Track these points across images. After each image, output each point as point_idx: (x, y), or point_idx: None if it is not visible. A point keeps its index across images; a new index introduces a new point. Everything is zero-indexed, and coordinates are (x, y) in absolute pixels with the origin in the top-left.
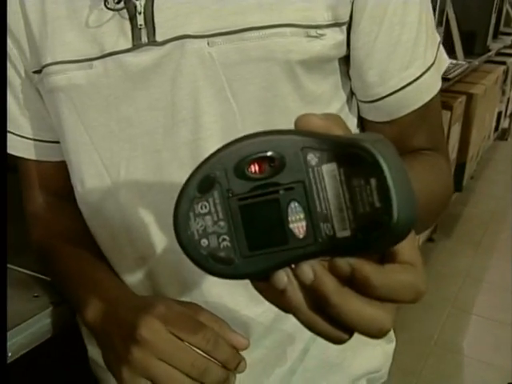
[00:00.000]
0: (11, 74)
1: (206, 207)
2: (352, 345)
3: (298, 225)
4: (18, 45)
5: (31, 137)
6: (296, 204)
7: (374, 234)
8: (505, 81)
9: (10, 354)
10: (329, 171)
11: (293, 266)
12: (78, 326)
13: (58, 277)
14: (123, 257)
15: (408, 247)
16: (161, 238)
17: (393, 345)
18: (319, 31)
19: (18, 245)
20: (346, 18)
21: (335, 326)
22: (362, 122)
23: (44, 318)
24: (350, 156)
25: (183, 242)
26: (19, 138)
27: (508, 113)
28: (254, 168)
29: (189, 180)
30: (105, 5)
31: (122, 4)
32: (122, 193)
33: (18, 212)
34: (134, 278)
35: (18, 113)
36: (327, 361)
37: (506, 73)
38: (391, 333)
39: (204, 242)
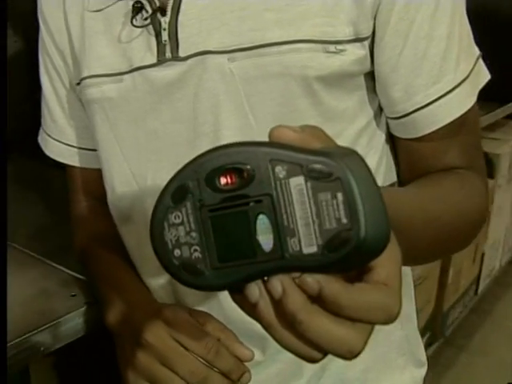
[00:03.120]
0: (58, 85)
1: (179, 217)
2: (376, 367)
3: (265, 238)
4: (63, 58)
5: (76, 145)
6: (264, 217)
7: (341, 251)
8: None
9: (42, 349)
10: (296, 185)
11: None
12: None
13: (90, 277)
14: (147, 263)
15: (386, 266)
16: None
17: (423, 369)
18: (339, 47)
19: (65, 245)
20: (368, 33)
21: (307, 344)
22: (393, 139)
23: (78, 316)
24: (316, 170)
25: (158, 252)
26: (65, 146)
27: None
28: (226, 179)
29: (164, 189)
30: (131, 22)
31: (148, 21)
32: (148, 201)
33: (68, 215)
34: (156, 284)
35: (65, 122)
36: (346, 382)
37: None
38: (423, 356)
39: (177, 252)
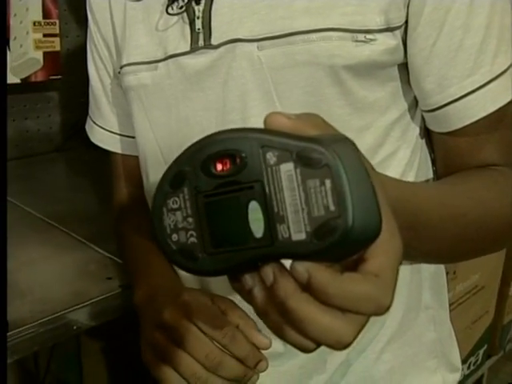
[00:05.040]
0: (103, 74)
1: (177, 203)
2: (403, 367)
3: (256, 225)
4: (107, 47)
5: (118, 132)
6: (255, 203)
7: (329, 239)
8: None
9: (74, 328)
10: (286, 171)
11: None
12: None
13: (125, 260)
14: None
15: (379, 257)
16: None
17: (457, 375)
18: (368, 36)
19: (108, 230)
20: (400, 23)
21: (299, 332)
22: (429, 133)
23: (111, 299)
24: (305, 156)
25: (157, 236)
26: (108, 133)
27: None
28: (220, 165)
29: (164, 175)
30: (166, 10)
31: (183, 9)
32: None
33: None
34: None
35: (108, 109)
36: (372, 380)
37: None
38: (457, 362)
39: (174, 236)
